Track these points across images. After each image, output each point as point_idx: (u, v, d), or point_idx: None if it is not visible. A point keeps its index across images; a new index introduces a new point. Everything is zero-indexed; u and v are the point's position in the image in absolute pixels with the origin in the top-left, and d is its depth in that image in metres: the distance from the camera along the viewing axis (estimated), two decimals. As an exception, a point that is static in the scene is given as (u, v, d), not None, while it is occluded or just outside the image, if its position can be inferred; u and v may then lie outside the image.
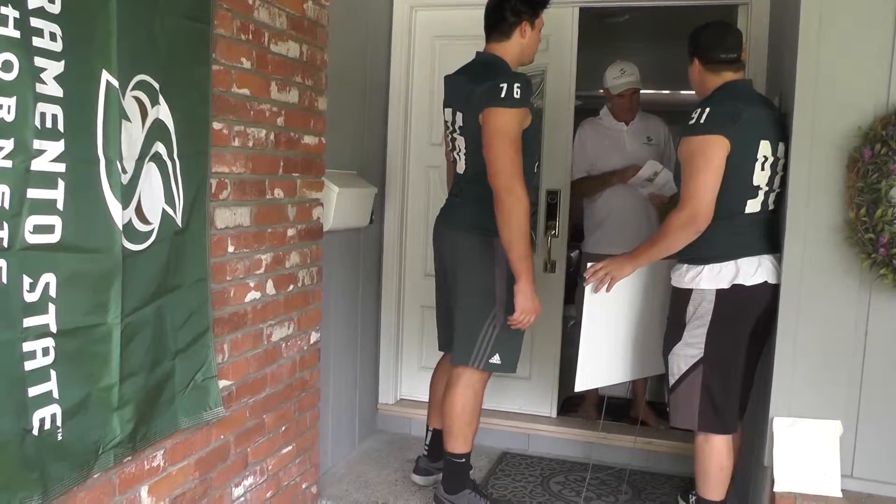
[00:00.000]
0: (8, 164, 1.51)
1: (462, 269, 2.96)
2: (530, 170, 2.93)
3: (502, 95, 2.70)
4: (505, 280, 2.87)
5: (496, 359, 2.92)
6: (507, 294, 2.87)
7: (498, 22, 2.89)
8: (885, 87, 2.42)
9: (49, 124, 1.60)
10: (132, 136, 1.86)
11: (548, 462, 3.76)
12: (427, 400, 3.42)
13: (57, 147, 1.63)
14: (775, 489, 2.52)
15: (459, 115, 2.92)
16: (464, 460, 3.04)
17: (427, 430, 3.38)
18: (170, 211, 2.04)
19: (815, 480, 2.50)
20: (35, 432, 1.63)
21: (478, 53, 2.99)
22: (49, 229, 1.63)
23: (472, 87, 2.83)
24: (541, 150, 3.87)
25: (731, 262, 2.58)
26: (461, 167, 3.00)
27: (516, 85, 2.71)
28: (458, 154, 3.00)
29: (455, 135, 2.98)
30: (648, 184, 3.79)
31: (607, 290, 2.80)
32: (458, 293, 2.98)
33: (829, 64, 2.47)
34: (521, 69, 2.92)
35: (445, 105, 3.04)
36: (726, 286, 2.57)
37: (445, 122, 3.04)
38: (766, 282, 2.57)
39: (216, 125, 2.26)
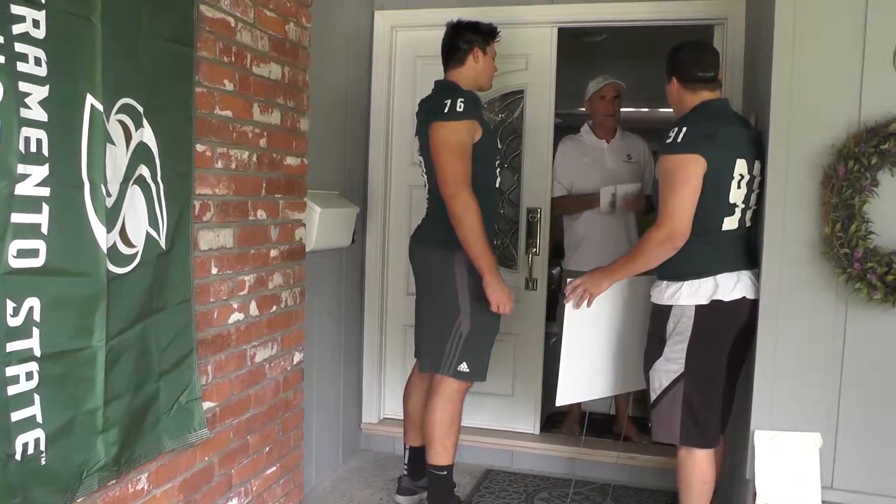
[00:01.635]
0: (-8, 188, 1.52)
1: (428, 281, 3.12)
2: (490, 183, 3.09)
3: (445, 110, 2.88)
4: (467, 290, 2.99)
5: (464, 366, 3.01)
6: (469, 303, 3.00)
7: (453, 51, 3.09)
8: (856, 105, 2.47)
9: (33, 149, 1.61)
10: (116, 159, 1.87)
11: (531, 479, 3.76)
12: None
13: (41, 171, 1.63)
14: (757, 502, 2.54)
15: (419, 137, 3.10)
16: (446, 473, 3.06)
17: (405, 448, 3.40)
18: (154, 233, 2.04)
19: (796, 492, 2.52)
20: (18, 457, 1.62)
21: (436, 82, 3.16)
22: (33, 253, 1.63)
23: (424, 108, 3.05)
24: (520, 168, 3.93)
25: (710, 279, 2.61)
26: (426, 187, 3.15)
27: (459, 100, 2.89)
28: (423, 175, 3.15)
29: (419, 156, 3.15)
30: (615, 204, 3.85)
31: (587, 305, 2.82)
32: (427, 304, 3.14)
33: (802, 83, 2.51)
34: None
35: (415, 134, 3.21)
36: (705, 302, 2.60)
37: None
38: (744, 297, 2.61)
39: (199, 147, 2.27)
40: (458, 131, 2.89)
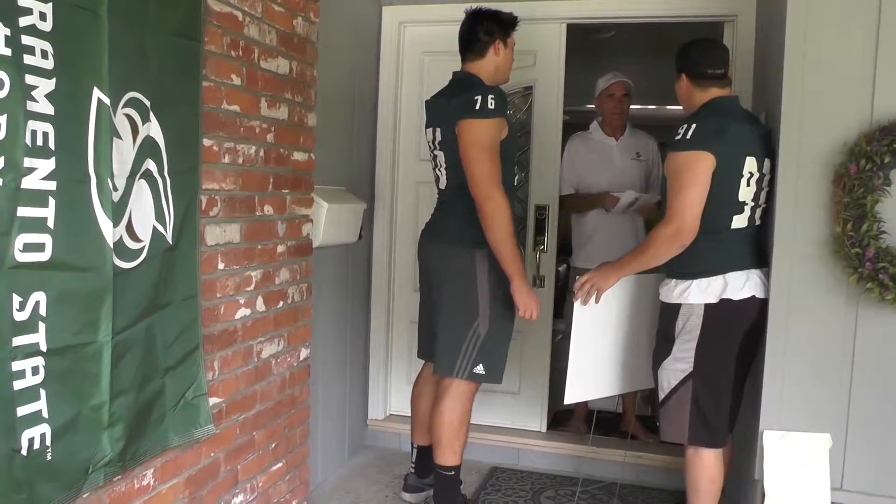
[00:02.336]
0: (-2, 182, 1.51)
1: (445, 280, 3.01)
2: (511, 181, 3.02)
3: (476, 107, 2.79)
4: (487, 291, 2.92)
5: (480, 369, 2.95)
6: (489, 305, 2.92)
7: (472, 42, 2.99)
8: (868, 103, 2.45)
9: (40, 142, 1.60)
10: (123, 153, 1.86)
11: (538, 477, 3.75)
12: (414, 416, 3.40)
13: (48, 165, 1.62)
14: (766, 502, 2.53)
15: (438, 131, 3.00)
16: (453, 473, 3.03)
17: (412, 446, 3.38)
18: (160, 228, 2.03)
19: (805, 493, 2.51)
20: (24, 452, 1.62)
21: (454, 73, 3.08)
22: (39, 247, 1.62)
23: (448, 102, 2.93)
24: (528, 165, 3.91)
25: (720, 277, 2.59)
26: (442, 182, 3.07)
27: (490, 96, 2.80)
28: (439, 170, 3.07)
29: (436, 151, 3.06)
30: (631, 207, 3.84)
31: (595, 300, 2.81)
32: (442, 305, 3.02)
33: (814, 81, 2.50)
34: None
35: (427, 126, 3.13)
36: (715, 301, 2.59)
37: (428, 142, 3.12)
38: (754, 296, 2.59)
39: (206, 142, 2.26)
40: (490, 129, 2.81)
